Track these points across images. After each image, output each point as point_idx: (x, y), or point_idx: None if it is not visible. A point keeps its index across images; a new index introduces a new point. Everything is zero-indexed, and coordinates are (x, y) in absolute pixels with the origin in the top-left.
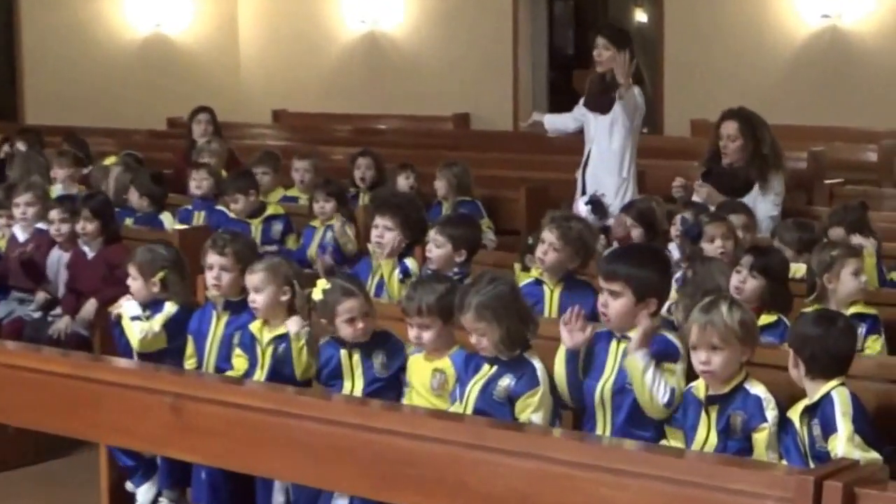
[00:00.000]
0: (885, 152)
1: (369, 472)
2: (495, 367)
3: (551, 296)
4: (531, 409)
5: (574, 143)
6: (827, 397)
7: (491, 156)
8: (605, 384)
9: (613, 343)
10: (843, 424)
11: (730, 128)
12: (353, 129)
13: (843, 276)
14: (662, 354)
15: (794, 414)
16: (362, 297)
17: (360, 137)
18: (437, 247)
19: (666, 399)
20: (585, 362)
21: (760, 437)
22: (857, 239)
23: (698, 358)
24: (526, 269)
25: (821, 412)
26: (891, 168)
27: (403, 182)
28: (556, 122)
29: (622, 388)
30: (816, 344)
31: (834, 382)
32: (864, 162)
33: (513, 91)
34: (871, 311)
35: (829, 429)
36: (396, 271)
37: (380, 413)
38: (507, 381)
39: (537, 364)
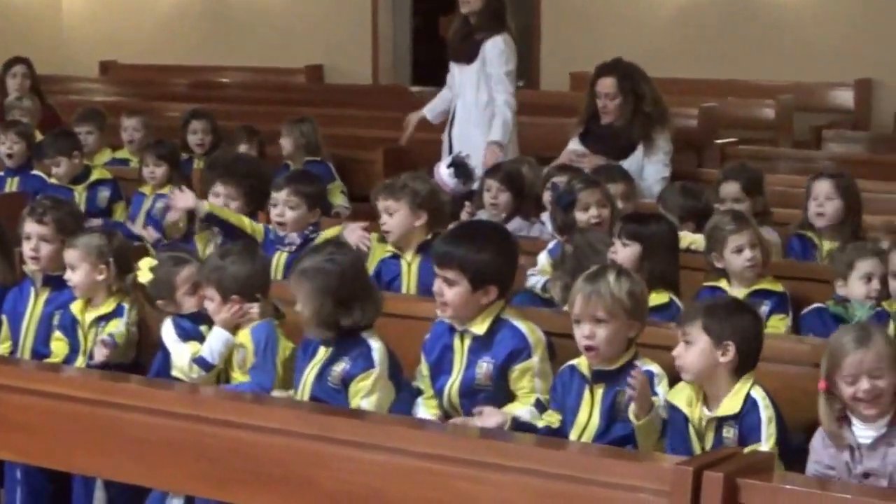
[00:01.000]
0: (783, 109)
1: (204, 469)
2: (330, 350)
3: (409, 269)
4: (362, 395)
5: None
6: (750, 401)
7: (347, 112)
8: (452, 386)
9: (457, 339)
10: (769, 431)
11: (607, 84)
12: (192, 82)
13: (727, 255)
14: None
15: (689, 409)
16: (198, 264)
17: (199, 92)
18: (290, 208)
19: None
20: (436, 359)
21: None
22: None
23: (581, 332)
24: (383, 239)
25: (743, 419)
26: (789, 126)
27: (245, 148)
28: (436, 107)
29: (470, 389)
30: (750, 332)
31: (750, 381)
32: (761, 119)
33: (372, 40)
34: (778, 287)
35: (751, 437)
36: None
37: (214, 402)
38: (341, 366)
39: (375, 344)
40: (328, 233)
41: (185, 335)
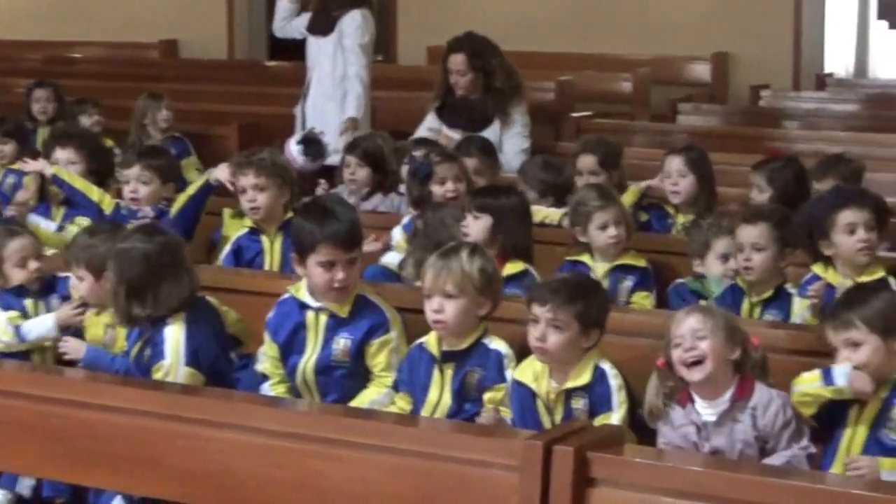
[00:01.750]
0: (640, 82)
1: (48, 450)
2: (142, 336)
3: (272, 247)
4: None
5: (299, 73)
6: (598, 371)
7: (201, 88)
8: (307, 363)
9: (310, 316)
10: (619, 399)
11: (457, 61)
12: (45, 58)
13: (591, 230)
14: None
15: (535, 383)
16: (30, 237)
17: (52, 68)
18: (143, 183)
19: None
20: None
21: (496, 399)
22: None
23: (431, 306)
24: (239, 215)
25: (593, 389)
26: (646, 99)
27: (87, 121)
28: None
29: (327, 366)
30: (604, 305)
31: (597, 352)
32: (618, 93)
33: (227, 14)
34: (641, 262)
35: (602, 406)
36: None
37: (57, 381)
38: (147, 352)
39: (170, 328)
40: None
41: (6, 307)
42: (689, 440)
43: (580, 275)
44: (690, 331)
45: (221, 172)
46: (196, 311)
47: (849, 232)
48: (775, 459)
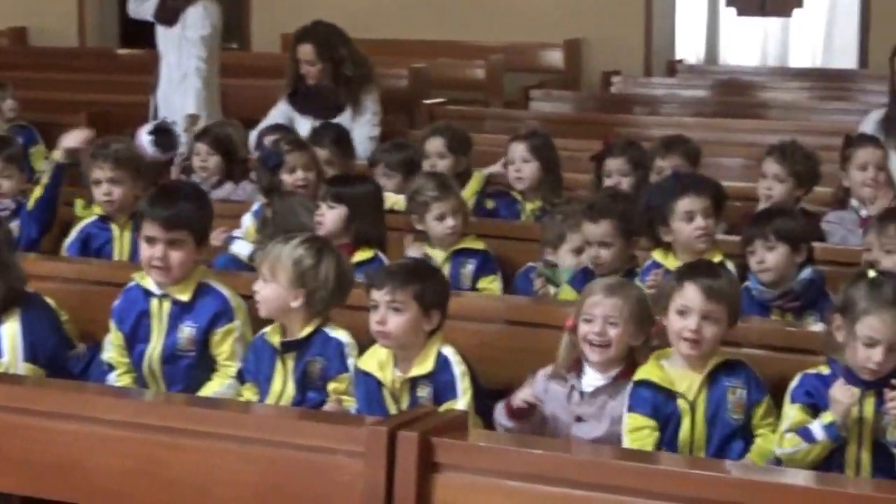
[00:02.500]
0: (493, 69)
1: None
2: None
3: (121, 236)
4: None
5: (150, 61)
6: (441, 359)
7: (51, 76)
8: (153, 352)
9: (155, 304)
10: (463, 386)
11: (305, 51)
12: None
13: (429, 220)
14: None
15: (381, 372)
16: None
17: None
18: (5, 178)
19: None
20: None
21: (339, 389)
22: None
23: (257, 287)
24: (90, 204)
25: (436, 377)
26: (499, 86)
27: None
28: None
29: (172, 354)
30: (442, 287)
31: (439, 339)
32: (472, 80)
33: (77, 2)
34: (480, 245)
35: (447, 393)
36: None
37: None
38: None
39: (4, 326)
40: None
41: None
42: (560, 401)
43: (418, 260)
44: (604, 316)
45: (68, 140)
46: (29, 305)
47: (687, 219)
48: None
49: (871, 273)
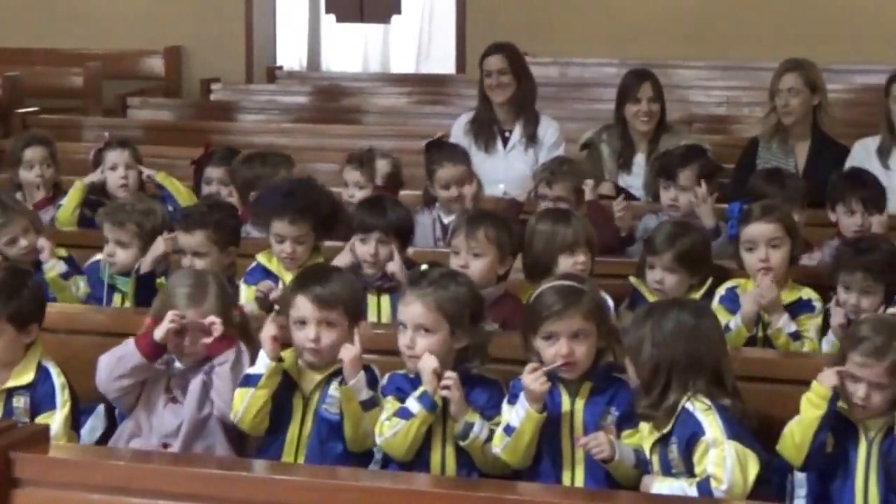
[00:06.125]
0: (91, 76)
1: None
2: None
3: None
4: None
5: None
6: (42, 370)
7: None
8: None
9: None
10: (63, 398)
11: None
12: None
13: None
14: None
15: None
16: None
17: None
18: None
19: None
20: None
21: None
22: None
23: None
24: None
25: (37, 388)
26: (98, 94)
27: None
28: None
29: None
30: (38, 300)
31: (39, 349)
32: (70, 88)
33: None
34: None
35: (45, 405)
36: None
37: None
38: None
39: None
40: None
41: None
42: None
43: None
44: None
45: None
46: None
47: None
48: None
49: None
